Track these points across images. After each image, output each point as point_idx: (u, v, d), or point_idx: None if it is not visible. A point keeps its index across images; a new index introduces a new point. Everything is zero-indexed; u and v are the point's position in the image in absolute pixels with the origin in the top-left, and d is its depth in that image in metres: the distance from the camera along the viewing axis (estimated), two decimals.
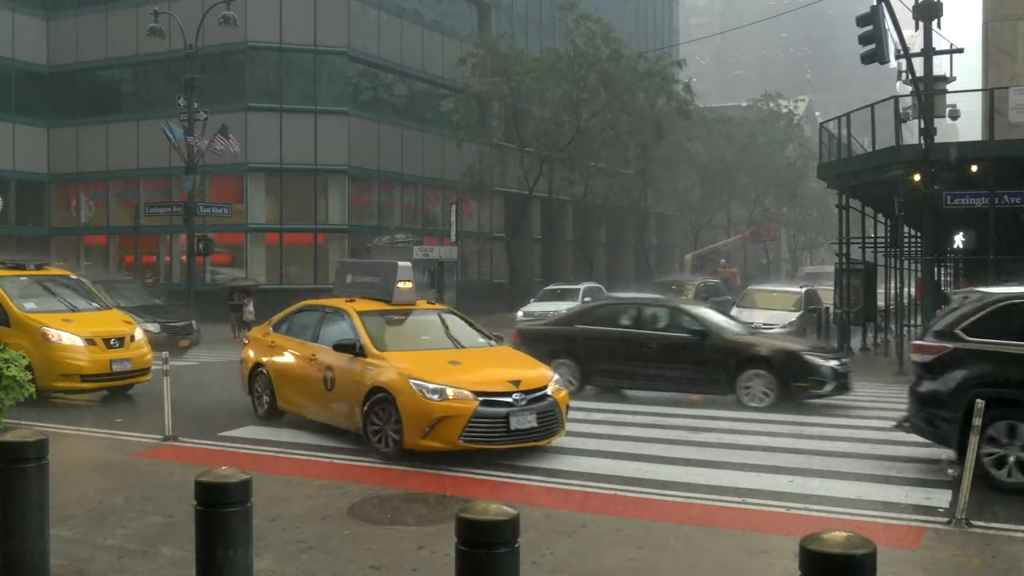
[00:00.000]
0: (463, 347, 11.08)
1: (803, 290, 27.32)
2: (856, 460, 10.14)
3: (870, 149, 22.77)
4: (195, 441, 10.74)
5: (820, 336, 24.96)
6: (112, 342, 13.92)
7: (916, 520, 7.65)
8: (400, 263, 11.89)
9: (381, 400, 9.67)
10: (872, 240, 26.70)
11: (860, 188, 24.20)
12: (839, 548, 3.42)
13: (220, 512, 4.86)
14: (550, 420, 9.82)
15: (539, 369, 10.60)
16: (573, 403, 11.34)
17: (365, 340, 10.40)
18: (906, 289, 27.10)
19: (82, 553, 6.56)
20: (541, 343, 15.30)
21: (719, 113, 55.76)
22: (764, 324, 24.64)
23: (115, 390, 14.35)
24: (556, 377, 10.48)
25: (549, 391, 9.93)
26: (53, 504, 5.92)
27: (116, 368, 13.79)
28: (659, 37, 59.39)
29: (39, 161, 38.56)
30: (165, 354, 11.71)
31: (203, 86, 28.60)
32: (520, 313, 29.23)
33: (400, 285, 11.51)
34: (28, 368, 13.21)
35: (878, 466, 9.79)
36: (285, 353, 11.66)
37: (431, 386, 9.40)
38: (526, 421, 9.52)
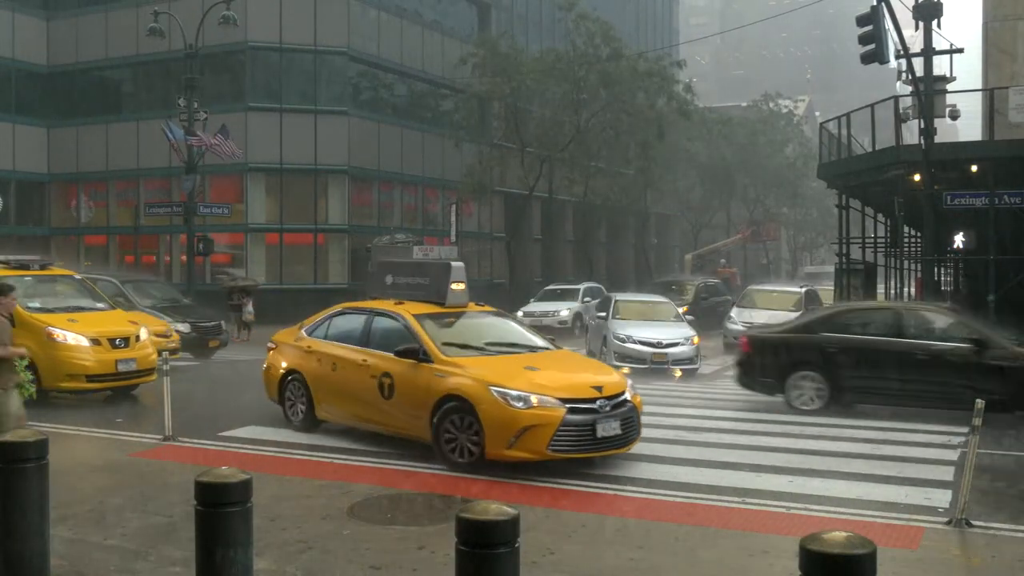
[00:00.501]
0: (528, 351, 10.64)
1: (803, 290, 27.31)
2: (856, 460, 10.14)
3: (870, 149, 22.77)
4: (195, 441, 10.74)
5: None
6: (117, 342, 13.87)
7: (916, 520, 7.65)
8: (454, 263, 11.37)
9: (455, 408, 9.23)
10: (872, 240, 26.70)
11: (860, 188, 24.20)
12: (839, 548, 3.42)
13: (220, 512, 4.86)
14: (631, 426, 9.51)
15: (613, 373, 10.32)
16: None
17: (429, 345, 9.91)
18: (906, 289, 27.10)
19: (82, 553, 6.56)
20: (779, 353, 13.90)
21: (719, 113, 55.72)
22: (764, 324, 24.65)
23: (119, 390, 14.31)
24: (631, 381, 10.13)
25: (628, 396, 9.62)
26: (53, 504, 5.92)
27: (121, 368, 13.71)
28: (659, 37, 59.37)
29: (39, 161, 38.54)
30: (165, 354, 11.71)
31: (203, 86, 28.59)
32: (520, 313, 29.23)
33: (454, 286, 11.02)
34: (33, 368, 13.33)
35: (878, 466, 9.79)
36: (326, 359, 11.03)
37: (514, 393, 8.97)
38: (611, 428, 9.19)
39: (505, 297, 37.89)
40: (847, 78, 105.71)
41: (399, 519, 7.55)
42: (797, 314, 25.15)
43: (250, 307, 26.48)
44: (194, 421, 11.91)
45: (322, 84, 35.33)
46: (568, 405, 8.96)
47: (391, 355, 10.10)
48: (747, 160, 54.48)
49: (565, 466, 9.36)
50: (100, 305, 15.14)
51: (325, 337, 11.42)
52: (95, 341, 13.66)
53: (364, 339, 10.81)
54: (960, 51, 23.62)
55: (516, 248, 39.82)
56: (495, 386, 9.07)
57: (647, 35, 58.25)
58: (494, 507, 4.16)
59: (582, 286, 32.19)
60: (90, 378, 13.56)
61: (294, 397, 11.49)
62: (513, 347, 10.66)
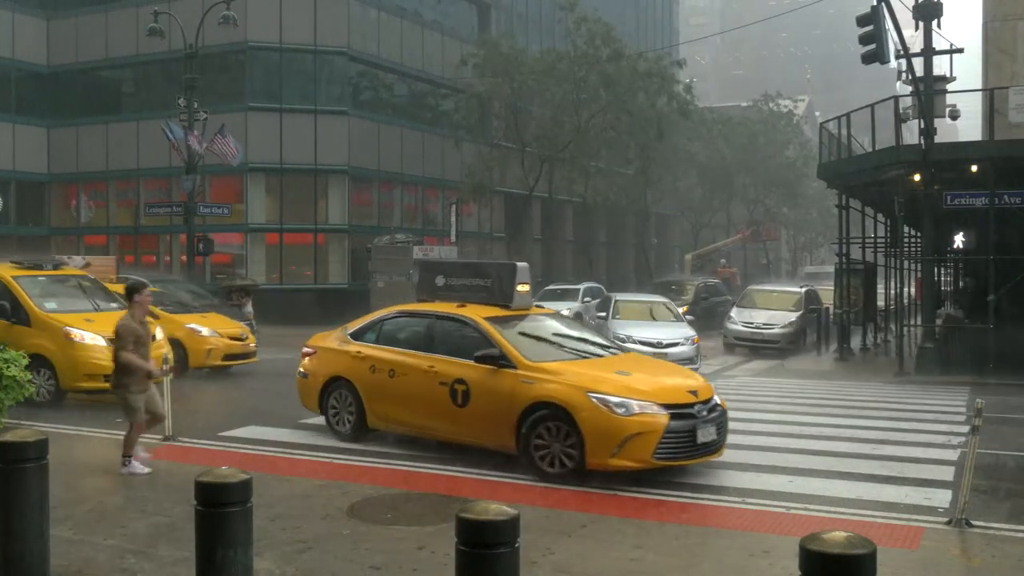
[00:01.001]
0: (606, 354, 10.28)
1: (803, 290, 27.33)
2: (856, 460, 10.14)
3: (870, 149, 22.76)
4: (195, 441, 10.74)
5: (820, 336, 24.99)
6: None
7: (916, 520, 7.65)
8: (519, 264, 10.98)
9: (548, 416, 8.87)
10: (872, 240, 26.69)
11: (860, 188, 24.19)
12: (839, 548, 3.42)
13: (220, 512, 4.86)
14: (723, 431, 9.31)
15: (699, 377, 10.12)
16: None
17: (510, 350, 9.48)
18: (906, 289, 27.10)
19: (82, 553, 6.56)
20: None
21: (719, 113, 55.74)
22: (764, 324, 24.68)
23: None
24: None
25: (717, 400, 9.40)
26: (53, 504, 5.92)
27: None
28: (659, 37, 59.36)
29: (39, 161, 38.54)
30: (166, 354, 11.68)
31: (203, 86, 28.58)
32: None
33: (520, 288, 10.65)
34: (51, 368, 13.25)
35: (878, 466, 9.79)
36: (382, 365, 10.43)
37: (616, 399, 8.64)
38: (709, 433, 8.98)
39: None
40: (847, 78, 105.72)
41: (399, 519, 7.55)
42: (798, 314, 25.28)
43: (249, 307, 26.44)
44: (194, 421, 11.91)
45: (322, 84, 35.34)
46: (670, 411, 8.72)
47: (465, 361, 9.65)
48: (747, 160, 54.48)
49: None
50: (114, 305, 15.08)
51: (377, 342, 10.83)
52: (110, 340, 13.63)
53: (427, 344, 10.31)
54: (960, 51, 23.60)
55: (516, 248, 39.80)
56: (594, 392, 8.74)
57: (647, 35, 58.24)
58: (494, 507, 4.16)
59: (582, 286, 32.18)
60: (108, 378, 13.53)
61: (339, 405, 10.86)
62: (584, 350, 10.27)
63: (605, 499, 8.26)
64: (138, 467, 9.04)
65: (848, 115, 24.13)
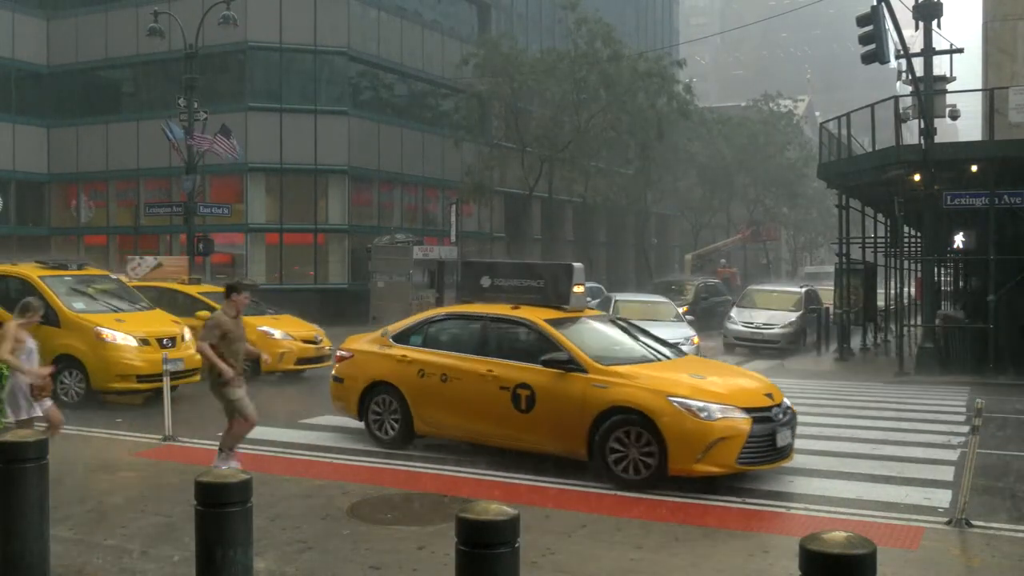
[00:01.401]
0: (670, 357, 10.08)
1: (803, 290, 27.32)
2: (856, 460, 10.14)
3: (870, 149, 22.76)
4: (195, 441, 10.74)
5: (820, 336, 24.98)
6: (165, 342, 13.72)
7: (916, 520, 7.65)
8: (575, 264, 10.78)
9: (625, 421, 8.66)
10: (872, 240, 26.70)
11: (860, 188, 24.20)
12: (839, 548, 3.42)
13: (220, 512, 4.86)
14: (794, 435, 9.20)
15: (767, 380, 9.95)
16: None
17: (578, 353, 9.25)
18: (906, 289, 27.09)
19: (82, 553, 6.56)
20: None
21: (719, 113, 55.75)
22: (764, 324, 24.67)
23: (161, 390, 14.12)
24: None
25: (788, 403, 9.27)
26: (53, 504, 5.92)
27: (170, 368, 13.56)
28: (659, 37, 59.35)
29: (39, 161, 38.54)
30: (165, 353, 11.67)
31: (203, 86, 28.57)
32: None
33: (576, 289, 10.46)
34: (82, 368, 13.16)
35: (878, 466, 9.79)
36: (432, 369, 10.10)
37: (698, 404, 8.50)
38: (786, 437, 8.87)
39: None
40: (847, 78, 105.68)
41: (399, 519, 7.55)
42: (798, 314, 25.28)
43: None
44: (194, 421, 11.91)
45: (322, 84, 35.33)
46: (751, 414, 8.60)
47: (528, 364, 9.43)
48: (747, 160, 54.49)
49: (561, 468, 9.35)
50: (140, 305, 15.00)
51: (424, 345, 10.50)
52: (144, 341, 13.53)
53: (481, 347, 10.02)
54: (960, 51, 23.60)
55: (516, 248, 39.81)
56: (675, 397, 8.58)
57: (647, 35, 58.24)
58: (494, 507, 4.16)
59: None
60: (140, 378, 13.44)
61: (383, 411, 10.49)
62: (647, 353, 10.03)
63: (605, 499, 8.26)
64: (234, 463, 8.82)
65: (848, 115, 24.13)
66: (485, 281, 10.97)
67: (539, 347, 9.56)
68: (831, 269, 28.93)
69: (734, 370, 10.55)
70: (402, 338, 10.72)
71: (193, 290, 17.60)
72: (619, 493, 8.45)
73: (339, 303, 34.08)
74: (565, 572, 6.31)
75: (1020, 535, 7.30)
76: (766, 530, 7.35)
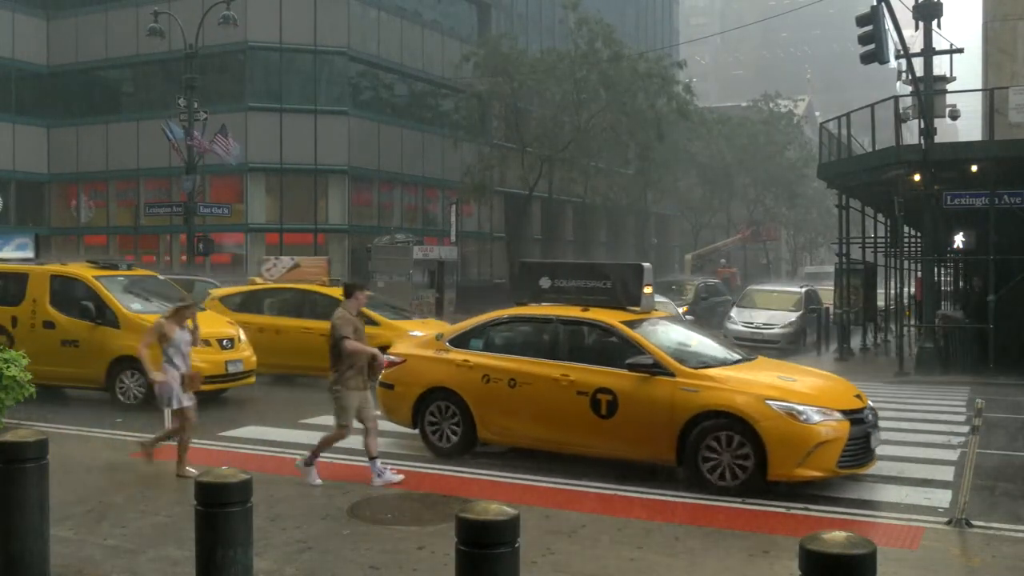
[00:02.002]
0: (748, 358, 9.92)
1: (803, 290, 27.32)
2: None
3: (870, 149, 22.76)
4: (195, 441, 10.70)
5: (820, 336, 24.98)
6: (225, 343, 13.54)
7: (916, 520, 7.65)
8: (644, 264, 10.54)
9: (719, 426, 8.46)
10: (872, 240, 26.69)
11: (860, 188, 24.19)
12: (839, 548, 3.42)
13: (220, 512, 4.86)
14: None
15: (847, 381, 9.82)
16: None
17: (663, 356, 9.02)
18: (906, 289, 27.10)
19: (82, 553, 6.56)
20: None
21: (719, 113, 55.76)
22: (764, 324, 24.67)
23: (216, 392, 13.79)
24: None
25: (872, 404, 9.11)
26: (53, 504, 5.91)
27: (231, 369, 13.31)
28: (659, 37, 59.37)
29: (39, 161, 38.56)
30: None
31: (203, 86, 28.60)
32: None
33: (647, 290, 10.21)
34: (142, 370, 12.92)
35: (878, 466, 9.78)
36: (499, 374, 9.70)
37: (799, 407, 8.31)
38: (878, 439, 8.77)
39: (505, 297, 37.91)
40: (847, 78, 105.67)
41: (399, 519, 7.55)
42: (798, 314, 25.27)
43: None
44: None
45: (322, 84, 35.36)
46: (848, 417, 8.46)
47: (608, 368, 9.16)
48: (747, 160, 54.50)
49: (561, 468, 9.35)
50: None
51: (485, 349, 10.15)
52: (205, 342, 13.35)
53: (552, 351, 9.71)
54: (960, 51, 23.59)
55: (516, 248, 39.83)
56: (774, 400, 8.39)
57: (647, 35, 58.25)
58: (494, 507, 4.16)
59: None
60: (205, 379, 13.33)
61: (441, 419, 10.05)
62: (726, 355, 9.86)
63: (605, 499, 8.26)
64: (315, 476, 8.70)
65: (848, 115, 24.13)
66: (544, 282, 10.61)
67: (617, 350, 9.31)
68: (831, 269, 28.93)
69: (811, 371, 10.32)
70: (460, 342, 10.30)
71: (337, 293, 16.29)
72: (618, 493, 8.44)
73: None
74: (565, 572, 6.31)
75: (1020, 535, 7.30)
76: (766, 530, 7.34)
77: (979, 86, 22.97)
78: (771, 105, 58.85)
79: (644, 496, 8.38)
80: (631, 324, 9.58)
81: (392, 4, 38.42)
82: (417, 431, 10.26)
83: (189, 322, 9.25)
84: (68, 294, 13.83)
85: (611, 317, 9.71)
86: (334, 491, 8.37)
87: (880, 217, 28.06)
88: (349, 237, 35.40)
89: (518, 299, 10.97)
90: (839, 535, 3.50)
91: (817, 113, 76.91)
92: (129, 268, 15.05)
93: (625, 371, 8.98)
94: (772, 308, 25.55)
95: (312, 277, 18.08)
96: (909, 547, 6.90)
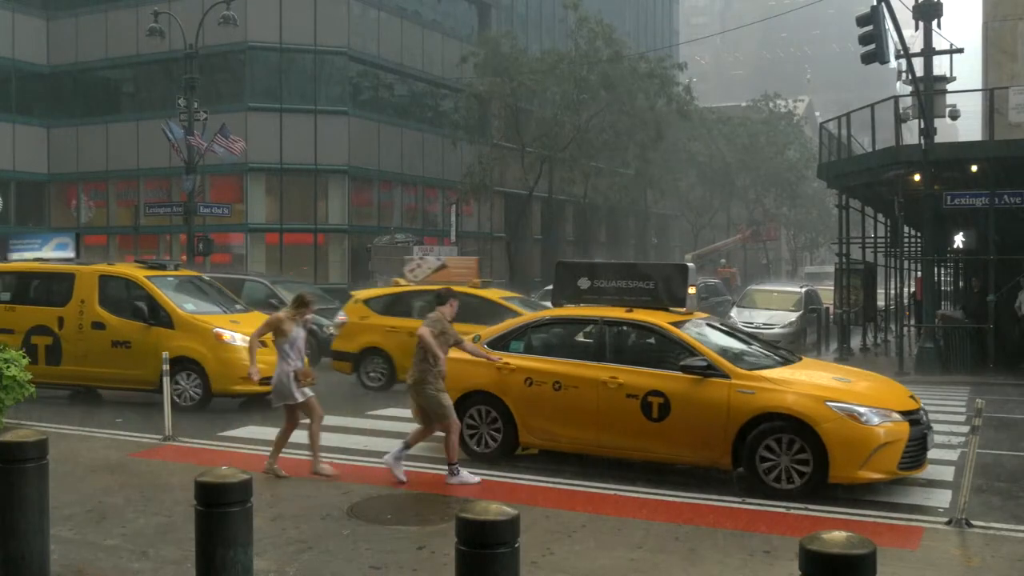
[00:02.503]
0: (795, 359, 9.78)
1: (803, 290, 27.31)
2: None
3: (870, 149, 22.76)
4: (195, 441, 10.73)
5: (820, 336, 24.99)
6: None
7: (916, 520, 7.65)
8: (689, 264, 10.40)
9: (777, 428, 8.34)
10: (872, 240, 26.70)
11: (860, 188, 24.19)
12: (839, 548, 3.42)
13: (220, 512, 4.86)
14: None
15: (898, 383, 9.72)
16: None
17: (717, 359, 8.89)
18: (906, 289, 27.10)
19: (82, 553, 6.56)
20: None
21: (719, 113, 55.79)
22: (764, 324, 24.65)
23: (265, 394, 13.55)
24: None
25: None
26: (53, 504, 5.92)
27: None
28: (659, 37, 59.39)
29: (39, 161, 38.56)
30: (165, 353, 11.62)
31: (203, 86, 28.60)
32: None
33: (691, 290, 10.05)
34: (201, 371, 12.79)
35: None
36: (542, 377, 9.49)
37: (861, 409, 8.22)
38: (932, 441, 8.69)
39: None
40: (847, 78, 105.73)
41: (399, 519, 7.55)
42: (798, 314, 25.27)
43: None
44: (194, 421, 11.91)
45: (322, 84, 35.37)
46: (907, 418, 8.38)
47: (658, 371, 9.03)
48: (747, 160, 54.52)
49: (560, 468, 9.34)
50: (238, 307, 14.62)
51: (526, 351, 9.93)
52: (261, 343, 13.32)
53: (599, 353, 9.47)
54: (960, 51, 23.59)
55: (516, 248, 39.85)
56: (835, 402, 8.28)
57: (647, 35, 58.28)
58: (494, 507, 4.16)
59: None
60: (263, 380, 13.21)
61: (480, 423, 9.85)
62: (774, 357, 9.67)
63: (605, 499, 8.25)
64: (468, 476, 8.63)
65: (848, 115, 24.14)
66: (584, 283, 10.36)
67: (665, 352, 9.22)
68: (831, 269, 28.93)
69: (861, 372, 10.20)
70: (499, 344, 10.03)
71: (494, 295, 15.45)
72: (619, 493, 8.44)
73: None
74: (565, 572, 6.31)
75: (1020, 535, 7.30)
76: (766, 530, 7.34)
77: (979, 86, 22.98)
78: (771, 105, 58.87)
79: (644, 496, 8.38)
80: (677, 325, 9.46)
81: (392, 4, 38.43)
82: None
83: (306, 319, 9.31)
84: (118, 295, 13.65)
85: (658, 318, 9.58)
86: (334, 491, 8.37)
87: (880, 217, 28.06)
88: (349, 237, 35.41)
89: (556, 300, 10.76)
90: (839, 535, 3.50)
91: (817, 113, 76.96)
92: (176, 268, 14.89)
93: (677, 373, 8.87)
94: (772, 308, 25.55)
95: (461, 278, 16.91)
96: (909, 547, 6.90)
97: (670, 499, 8.28)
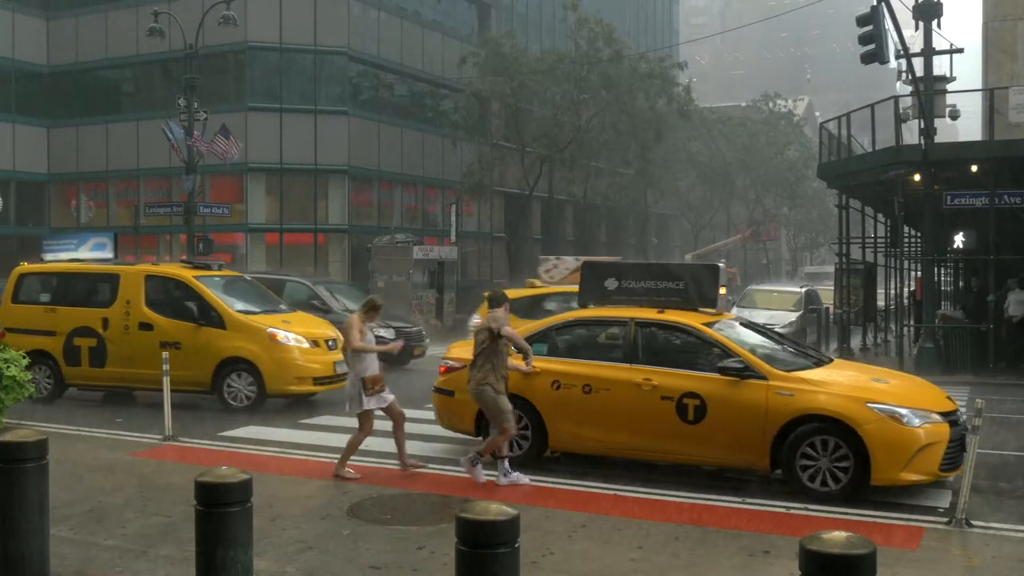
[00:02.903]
0: (827, 360, 9.70)
1: (803, 290, 27.29)
2: None
3: (870, 149, 22.76)
4: (195, 441, 10.74)
5: (820, 336, 24.98)
6: (330, 344, 13.36)
7: (916, 520, 7.65)
8: (720, 264, 10.31)
9: (818, 430, 8.27)
10: (872, 240, 26.70)
11: (860, 188, 24.19)
12: (839, 548, 3.42)
13: (220, 512, 4.86)
14: None
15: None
16: None
17: (754, 360, 8.79)
18: (906, 289, 27.10)
19: (82, 553, 6.56)
20: None
21: (719, 113, 55.81)
22: (764, 324, 24.63)
23: (310, 395, 13.68)
24: None
25: None
26: (53, 504, 5.92)
27: (338, 370, 12.86)
28: (659, 37, 59.38)
29: (39, 161, 38.55)
30: (165, 354, 11.62)
31: (203, 86, 28.59)
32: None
33: (721, 291, 9.97)
34: (255, 371, 12.61)
35: None
36: (572, 380, 9.32)
37: (902, 411, 8.15)
38: (968, 442, 8.42)
39: None
40: (847, 78, 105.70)
41: (399, 519, 7.55)
42: (798, 314, 25.25)
43: None
44: (194, 421, 11.91)
45: (322, 84, 35.35)
46: (946, 419, 8.32)
47: (694, 372, 8.94)
48: (747, 160, 54.52)
49: (559, 468, 9.34)
50: (283, 307, 14.55)
51: (552, 353, 9.75)
52: (314, 343, 13.18)
53: (631, 355, 9.31)
54: (960, 51, 23.60)
55: (516, 248, 39.84)
56: (875, 403, 8.22)
57: (647, 35, 58.28)
58: (494, 507, 4.16)
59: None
60: (317, 380, 13.12)
61: None
62: (807, 358, 9.61)
63: (605, 499, 8.26)
64: (520, 476, 8.65)
65: (848, 115, 24.14)
66: (611, 283, 10.21)
67: (700, 353, 9.13)
68: (831, 269, 28.91)
69: (895, 373, 10.11)
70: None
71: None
72: (619, 493, 8.44)
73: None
74: (565, 572, 6.31)
75: (1020, 535, 7.30)
76: (766, 530, 7.34)
77: (979, 86, 22.98)
78: (771, 105, 58.86)
79: (644, 496, 8.38)
80: (709, 326, 9.36)
81: (392, 4, 38.42)
82: (480, 439, 9.74)
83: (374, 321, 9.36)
84: (165, 295, 13.48)
85: (691, 319, 9.46)
86: (334, 491, 8.38)
87: (880, 217, 28.05)
88: (349, 237, 35.40)
89: (582, 301, 10.53)
90: (839, 535, 3.50)
91: (817, 113, 76.94)
92: (220, 268, 14.74)
93: (713, 375, 8.79)
94: (772, 308, 25.52)
95: (572, 281, 16.19)
96: (909, 547, 6.90)
97: (670, 499, 8.28)
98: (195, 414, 12.63)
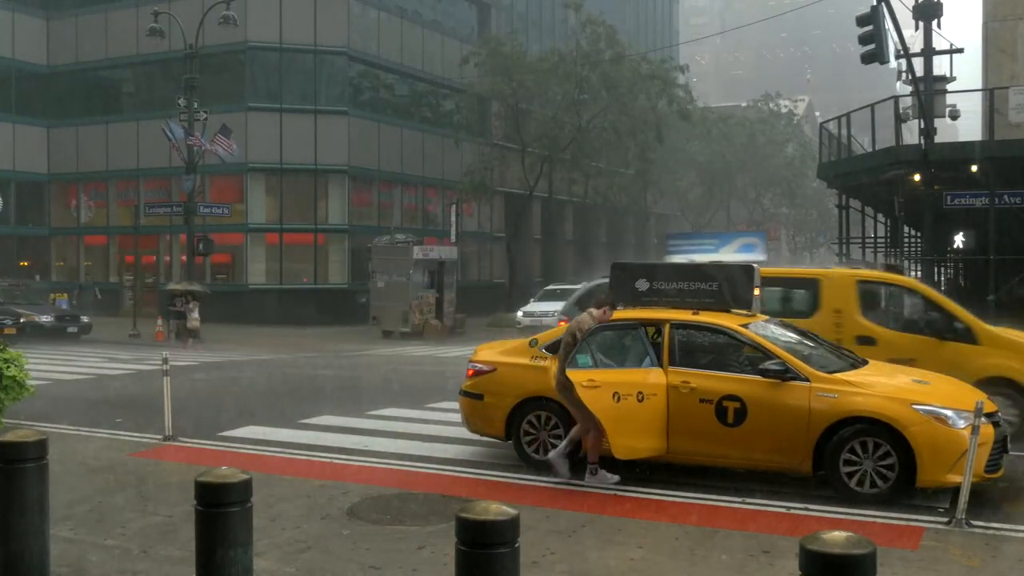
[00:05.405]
0: (863, 361, 9.51)
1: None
2: None
3: (870, 149, 22.78)
4: (195, 441, 10.74)
5: None
6: None
7: (916, 520, 7.65)
8: (754, 264, 10.16)
9: (862, 432, 8.15)
10: (872, 240, 26.71)
11: (860, 188, 24.21)
12: (839, 548, 3.42)
13: (220, 512, 4.86)
14: None
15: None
16: None
17: (795, 362, 8.62)
18: None
19: (82, 553, 6.56)
20: None
21: (719, 113, 55.82)
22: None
23: None
24: None
25: None
26: (53, 504, 5.92)
27: None
28: (659, 37, 59.40)
29: (39, 161, 38.57)
30: (165, 354, 11.66)
31: (203, 86, 28.60)
32: (520, 313, 29.21)
33: (757, 292, 9.79)
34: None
35: None
36: (607, 384, 8.76)
37: (947, 412, 8.08)
38: (1009, 441, 8.48)
39: (505, 297, 37.93)
40: (847, 78, 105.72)
41: (399, 519, 7.55)
42: None
43: (196, 313, 26.13)
44: (194, 421, 11.91)
45: (322, 84, 35.36)
46: (989, 420, 8.15)
47: (732, 374, 8.79)
48: (747, 160, 54.53)
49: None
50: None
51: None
52: None
53: (669, 357, 9.05)
54: (960, 51, 23.62)
55: (516, 248, 39.86)
56: (921, 405, 8.13)
57: (648, 35, 58.28)
58: (494, 507, 4.16)
59: (582, 286, 32.16)
60: None
61: (539, 430, 9.44)
62: (845, 359, 9.42)
63: (605, 499, 8.26)
64: (607, 474, 8.63)
65: (848, 115, 24.16)
66: (642, 284, 9.97)
67: (737, 355, 8.99)
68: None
69: (934, 375, 9.87)
70: (556, 348, 9.39)
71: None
72: (619, 493, 8.44)
73: (339, 303, 34.11)
74: (565, 572, 6.31)
75: (1020, 535, 7.30)
76: (766, 530, 7.34)
77: (979, 86, 22.99)
78: (771, 105, 58.87)
79: (644, 496, 8.38)
80: (745, 327, 9.19)
81: (392, 4, 38.43)
82: (510, 443, 9.61)
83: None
84: (885, 304, 12.31)
85: (727, 320, 9.31)
86: (334, 491, 8.37)
87: (880, 217, 28.07)
88: (349, 237, 35.41)
89: (613, 303, 10.20)
90: (839, 535, 3.50)
91: (817, 113, 76.94)
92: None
93: (753, 376, 8.64)
94: None
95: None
96: (909, 547, 6.90)
97: (670, 499, 8.28)
98: (195, 414, 12.63)
